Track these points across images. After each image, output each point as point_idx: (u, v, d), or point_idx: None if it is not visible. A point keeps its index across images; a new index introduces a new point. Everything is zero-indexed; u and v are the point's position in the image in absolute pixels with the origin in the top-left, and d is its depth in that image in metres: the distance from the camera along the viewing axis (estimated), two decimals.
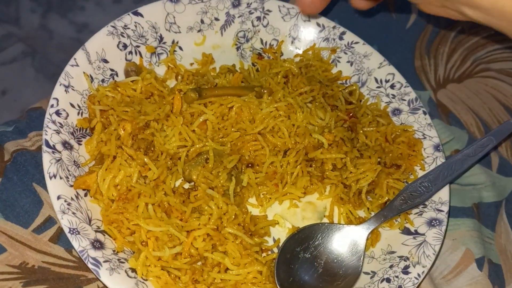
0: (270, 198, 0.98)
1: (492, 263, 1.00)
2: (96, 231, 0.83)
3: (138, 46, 1.05)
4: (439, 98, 1.23)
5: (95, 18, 1.08)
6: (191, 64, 1.11)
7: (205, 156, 0.92)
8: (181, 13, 1.09)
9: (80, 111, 0.94)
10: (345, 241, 0.92)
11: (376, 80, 1.13)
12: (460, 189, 1.08)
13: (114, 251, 0.82)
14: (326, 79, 1.12)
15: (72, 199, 0.83)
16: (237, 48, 1.15)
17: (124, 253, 0.84)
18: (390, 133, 1.05)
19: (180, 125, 0.94)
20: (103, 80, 0.99)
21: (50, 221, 0.88)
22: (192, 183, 0.92)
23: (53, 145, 0.86)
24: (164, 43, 1.09)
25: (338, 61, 1.16)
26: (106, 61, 1.00)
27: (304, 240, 0.91)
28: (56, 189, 0.82)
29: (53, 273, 0.84)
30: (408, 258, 0.93)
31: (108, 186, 0.85)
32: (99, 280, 0.79)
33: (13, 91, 1.01)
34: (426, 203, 0.99)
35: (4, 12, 1.09)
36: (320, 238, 0.91)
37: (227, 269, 0.85)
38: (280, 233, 0.96)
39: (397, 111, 1.10)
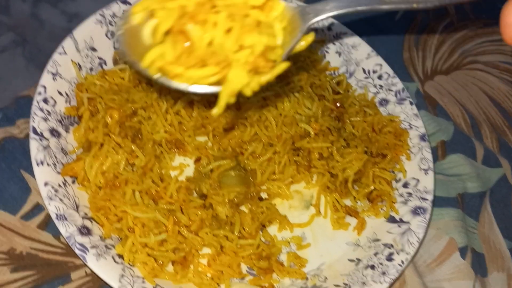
0: None
1: (475, 252, 1.01)
2: (83, 218, 0.83)
3: None
4: (426, 89, 1.24)
5: (86, 7, 1.08)
6: None
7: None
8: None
9: (68, 99, 0.94)
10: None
11: (364, 70, 1.14)
12: (445, 180, 1.09)
13: (101, 237, 0.83)
14: (314, 69, 1.12)
15: (59, 185, 0.84)
16: None
17: (112, 239, 0.85)
18: (377, 123, 1.07)
19: (164, 111, 0.95)
20: (91, 69, 0.99)
21: (38, 208, 0.89)
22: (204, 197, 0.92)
23: (40, 132, 0.86)
24: None
25: (327, 52, 1.17)
26: (94, 50, 1.00)
27: None
28: (44, 176, 0.83)
29: (41, 259, 0.84)
30: (392, 246, 0.94)
31: (96, 173, 0.86)
32: (86, 265, 0.79)
33: (3, 81, 1.01)
34: (411, 191, 1.00)
35: None
36: None
37: None
38: None
39: (384, 102, 1.12)
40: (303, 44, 0.69)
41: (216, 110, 0.65)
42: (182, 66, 0.64)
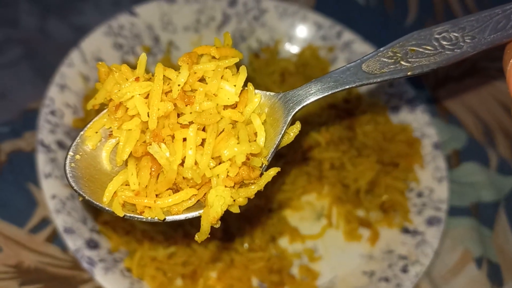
0: None
1: (491, 262, 0.99)
2: (91, 231, 0.82)
3: (133, 46, 1.05)
4: (438, 96, 1.22)
5: (93, 20, 1.08)
6: None
7: None
8: (177, 12, 1.09)
9: (76, 111, 0.93)
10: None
11: None
12: (459, 188, 1.07)
13: (109, 250, 0.82)
14: None
15: (67, 198, 0.83)
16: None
17: (120, 252, 0.83)
18: (388, 131, 1.05)
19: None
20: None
21: (46, 221, 0.88)
22: None
23: (48, 144, 0.86)
24: (160, 43, 1.08)
25: (336, 60, 1.15)
26: (101, 61, 0.99)
27: None
28: (51, 189, 0.82)
29: (49, 273, 0.83)
30: (406, 257, 0.92)
31: None
32: (94, 279, 0.78)
33: (11, 94, 1.01)
34: (425, 201, 0.98)
35: (2, 15, 1.09)
36: None
37: None
38: None
39: (395, 110, 1.10)
40: (291, 135, 0.60)
41: (199, 237, 0.56)
42: (151, 195, 0.56)
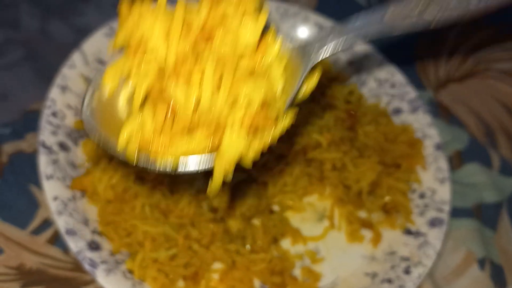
0: None
1: (494, 263, 0.99)
2: (92, 232, 0.82)
3: None
4: (439, 97, 1.22)
5: (94, 21, 1.08)
6: None
7: None
8: None
9: (77, 113, 0.93)
10: None
11: (375, 79, 1.13)
12: (461, 189, 1.07)
13: (111, 252, 0.82)
14: (325, 78, 1.11)
15: (68, 200, 0.83)
16: None
17: (121, 254, 0.83)
18: (390, 132, 1.05)
19: None
20: None
21: (48, 222, 0.88)
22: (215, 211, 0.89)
23: (49, 145, 0.85)
24: None
25: (337, 61, 1.15)
26: (103, 63, 1.00)
27: None
28: (53, 190, 0.82)
29: (50, 275, 0.83)
30: (409, 258, 0.92)
31: (105, 187, 0.85)
32: (96, 281, 0.78)
33: (12, 95, 1.01)
34: (428, 202, 0.98)
35: (3, 17, 1.09)
36: None
37: None
38: None
39: (397, 111, 1.10)
40: (308, 89, 0.59)
41: (211, 188, 0.54)
42: (165, 137, 0.53)
